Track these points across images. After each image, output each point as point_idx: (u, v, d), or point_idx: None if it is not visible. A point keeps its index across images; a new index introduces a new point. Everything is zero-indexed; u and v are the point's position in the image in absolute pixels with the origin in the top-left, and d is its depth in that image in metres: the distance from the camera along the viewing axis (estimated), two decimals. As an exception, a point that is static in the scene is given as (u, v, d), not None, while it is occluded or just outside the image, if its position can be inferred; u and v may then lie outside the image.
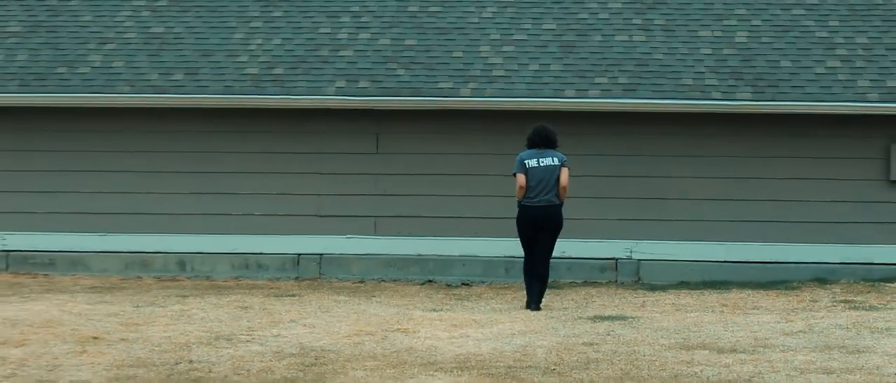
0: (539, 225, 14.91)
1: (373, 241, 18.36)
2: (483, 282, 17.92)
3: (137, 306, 14.77)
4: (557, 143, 15.11)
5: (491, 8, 19.58)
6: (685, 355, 11.50)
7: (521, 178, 14.91)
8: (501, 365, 11.05)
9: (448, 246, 18.25)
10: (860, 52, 18.45)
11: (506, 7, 19.58)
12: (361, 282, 17.97)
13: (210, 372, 10.72)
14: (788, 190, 18.11)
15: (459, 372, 10.70)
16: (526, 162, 14.94)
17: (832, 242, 17.97)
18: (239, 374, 10.63)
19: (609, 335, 12.63)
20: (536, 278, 14.96)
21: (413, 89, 17.99)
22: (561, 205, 14.95)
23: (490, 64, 18.39)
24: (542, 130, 15.14)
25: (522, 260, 15.08)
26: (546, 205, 14.86)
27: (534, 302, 14.82)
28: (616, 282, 17.98)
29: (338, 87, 18.05)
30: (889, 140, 17.96)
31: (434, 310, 14.64)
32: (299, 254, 18.40)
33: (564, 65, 18.34)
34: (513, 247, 17.42)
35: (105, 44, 19.08)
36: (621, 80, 18.00)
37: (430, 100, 17.94)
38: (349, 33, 19.11)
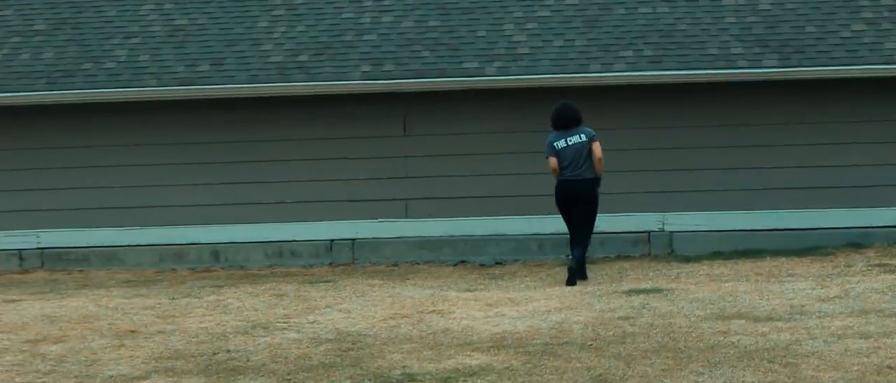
0: (573, 198, 15.14)
1: (404, 224, 18.39)
2: (516, 261, 17.93)
3: (173, 298, 14.82)
4: (581, 119, 15.24)
5: (513, -14, 19.55)
6: (721, 325, 11.49)
7: (552, 161, 15.16)
8: (538, 342, 11.06)
9: (479, 225, 18.26)
10: (886, 13, 18.34)
11: (528, -16, 19.55)
12: (395, 265, 18.00)
13: (248, 360, 10.76)
14: (818, 155, 18.04)
15: (496, 351, 10.72)
16: (555, 144, 15.16)
17: (864, 206, 17.90)
18: (277, 362, 10.67)
19: (644, 308, 12.62)
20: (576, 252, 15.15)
21: (439, 70, 17.99)
22: (597, 179, 15.11)
23: (514, 42, 18.37)
24: (564, 109, 15.30)
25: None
26: (579, 178, 15.07)
27: (583, 277, 15.04)
28: (649, 254, 17.96)
29: (363, 72, 18.06)
30: (918, 101, 17.89)
31: (468, 290, 14.67)
32: (332, 240, 18.44)
33: (589, 39, 18.31)
34: (543, 225, 17.53)
35: (130, 38, 19.13)
36: (646, 53, 17.96)
37: (456, 81, 17.93)
38: (372, 17, 19.11)
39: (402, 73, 18.01)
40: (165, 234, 18.55)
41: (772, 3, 18.71)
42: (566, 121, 15.19)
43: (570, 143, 15.07)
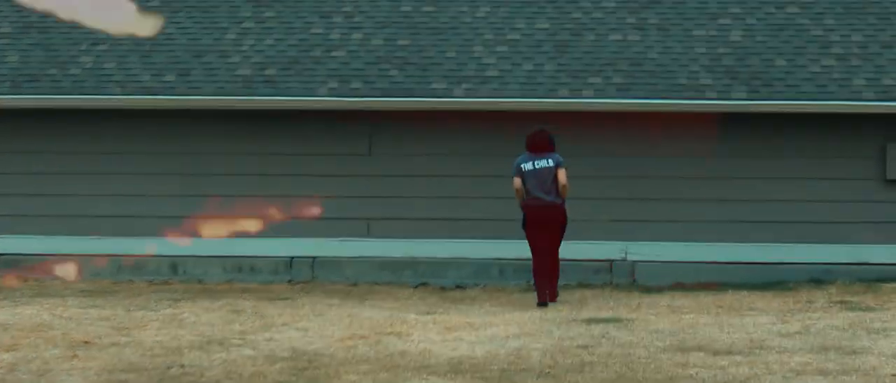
0: (541, 223, 15.34)
1: (366, 244, 18.28)
2: (476, 285, 17.83)
3: (129, 310, 14.70)
4: (555, 147, 15.46)
5: (484, 7, 19.50)
6: (680, 357, 11.44)
7: (516, 181, 15.42)
8: (495, 368, 10.99)
9: (441, 248, 18.17)
10: (855, 50, 18.38)
11: (499, 6, 19.51)
12: (354, 284, 17.89)
13: (202, 376, 10.65)
14: (784, 190, 18.04)
15: (453, 376, 10.64)
16: (521, 166, 15.44)
17: (828, 242, 17.90)
18: (231, 378, 10.56)
19: (604, 337, 12.56)
20: (545, 278, 15.21)
21: (406, 90, 17.91)
22: (562, 202, 15.20)
23: (483, 64, 18.31)
24: (538, 135, 15.64)
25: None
26: (546, 204, 15.28)
27: (543, 300, 15.09)
28: (611, 283, 17.90)
29: (330, 88, 17.96)
30: (884, 139, 17.90)
31: (428, 313, 14.58)
32: (292, 257, 18.31)
33: (558, 64, 18.27)
34: (506, 249, 17.47)
35: (96, 45, 18.99)
36: (615, 80, 17.93)
37: (424, 101, 17.85)
38: (342, 33, 19.03)
39: (370, 90, 17.92)
40: (124, 245, 18.38)
41: (742, 36, 18.73)
42: (539, 145, 15.41)
43: (536, 167, 15.30)
